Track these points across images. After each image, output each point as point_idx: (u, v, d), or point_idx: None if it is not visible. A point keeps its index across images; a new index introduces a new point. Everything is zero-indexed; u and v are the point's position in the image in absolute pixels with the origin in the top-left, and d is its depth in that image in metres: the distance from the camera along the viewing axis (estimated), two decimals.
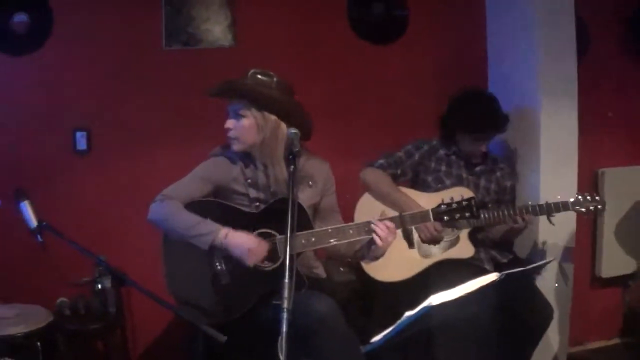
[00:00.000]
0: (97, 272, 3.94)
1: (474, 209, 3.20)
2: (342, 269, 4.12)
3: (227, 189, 3.27)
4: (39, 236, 3.12)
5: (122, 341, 4.06)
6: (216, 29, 4.44)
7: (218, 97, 3.26)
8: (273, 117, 3.17)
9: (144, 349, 4.36)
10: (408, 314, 2.56)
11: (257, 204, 3.24)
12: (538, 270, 4.04)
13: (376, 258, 3.28)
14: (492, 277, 2.71)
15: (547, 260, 3.96)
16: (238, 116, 3.18)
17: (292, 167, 2.86)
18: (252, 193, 3.25)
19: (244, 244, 3.04)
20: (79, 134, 4.24)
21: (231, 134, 3.20)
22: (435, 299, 2.53)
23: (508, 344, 3.73)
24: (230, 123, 3.21)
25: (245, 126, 3.18)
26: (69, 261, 3.63)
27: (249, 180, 3.24)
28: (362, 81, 4.70)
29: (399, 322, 2.55)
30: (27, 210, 3.14)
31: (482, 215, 3.70)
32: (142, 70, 4.32)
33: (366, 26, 4.73)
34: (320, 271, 3.43)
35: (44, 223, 3.06)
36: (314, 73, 4.53)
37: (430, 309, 2.54)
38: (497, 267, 3.98)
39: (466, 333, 3.42)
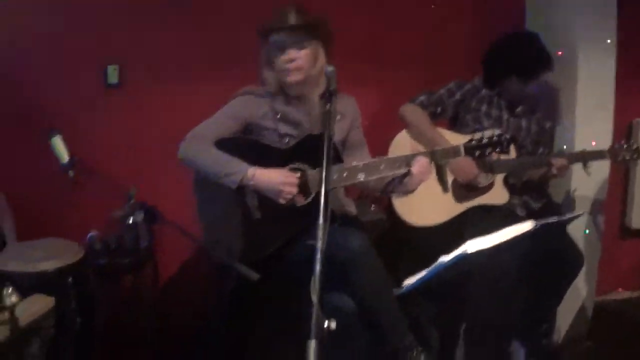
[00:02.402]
0: (129, 206, 3.92)
1: (504, 144, 3.20)
2: (372, 208, 4.11)
3: (256, 125, 3.25)
4: (70, 172, 3.13)
5: (153, 276, 4.05)
6: None
7: (292, 30, 3.17)
8: (322, 51, 3.19)
9: (175, 285, 4.37)
10: (442, 259, 2.53)
11: (287, 139, 3.22)
12: (571, 220, 4.00)
13: (406, 193, 3.27)
14: (528, 226, 2.67)
15: (581, 212, 3.95)
16: (301, 46, 3.15)
17: (329, 104, 2.77)
18: (282, 128, 3.22)
19: (273, 181, 3.02)
20: (110, 68, 4.19)
21: (296, 63, 3.15)
22: (471, 246, 2.50)
23: (537, 290, 3.75)
24: (293, 53, 3.15)
25: (307, 56, 3.16)
26: (101, 196, 3.57)
27: (279, 115, 3.22)
28: (401, 17, 4.59)
29: (432, 267, 2.52)
30: (59, 145, 3.13)
31: (511, 150, 3.65)
32: (175, 3, 4.23)
33: None
34: (351, 209, 3.42)
35: (76, 158, 3.05)
36: (353, 7, 4.42)
37: (466, 255, 2.50)
38: (530, 213, 3.95)
39: (497, 279, 3.41)
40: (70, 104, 4.11)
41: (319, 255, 2.30)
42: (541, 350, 4.00)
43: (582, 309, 4.42)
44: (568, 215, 3.52)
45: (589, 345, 4.35)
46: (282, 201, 3.04)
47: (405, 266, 3.78)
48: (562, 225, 4.11)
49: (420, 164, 3.08)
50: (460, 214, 3.79)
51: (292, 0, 3.22)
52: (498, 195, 3.80)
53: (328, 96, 2.78)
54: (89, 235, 3.96)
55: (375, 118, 3.54)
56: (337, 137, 3.25)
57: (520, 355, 3.89)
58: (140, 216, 3.80)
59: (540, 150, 4.01)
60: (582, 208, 4.30)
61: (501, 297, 3.56)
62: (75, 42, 4.11)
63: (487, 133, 3.23)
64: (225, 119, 3.24)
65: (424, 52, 4.61)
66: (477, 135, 3.20)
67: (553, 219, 2.69)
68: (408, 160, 3.09)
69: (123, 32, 4.16)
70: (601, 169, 4.20)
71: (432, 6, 4.59)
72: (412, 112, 3.88)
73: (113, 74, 4.19)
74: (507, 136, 3.20)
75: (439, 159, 3.19)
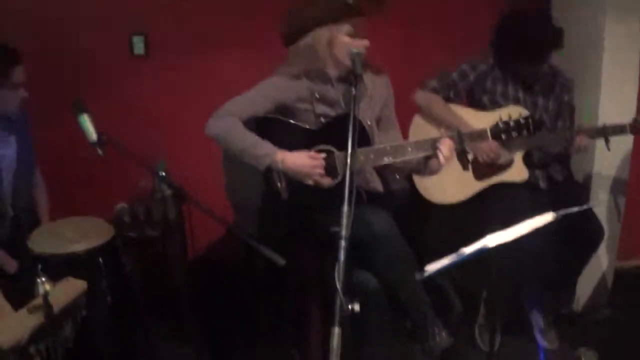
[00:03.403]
0: (157, 180, 3.94)
1: (531, 127, 3.16)
2: (397, 176, 4.14)
3: (291, 107, 3.25)
4: (99, 149, 3.17)
5: (182, 249, 4.07)
6: None
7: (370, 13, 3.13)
8: None
9: (204, 258, 4.44)
10: (463, 251, 2.56)
11: (322, 119, 3.23)
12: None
13: (431, 173, 3.28)
14: (548, 217, 2.69)
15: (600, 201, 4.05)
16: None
17: (354, 88, 2.75)
18: (319, 108, 3.23)
19: (300, 165, 3.07)
20: (136, 38, 4.22)
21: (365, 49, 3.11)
22: (491, 240, 2.53)
23: (558, 261, 3.78)
24: (367, 41, 3.12)
25: None
26: (129, 169, 3.64)
27: (317, 95, 3.22)
28: None
29: (453, 257, 2.56)
30: (87, 123, 3.17)
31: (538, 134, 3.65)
32: None
33: None
34: (377, 185, 3.43)
35: (104, 136, 3.08)
36: None
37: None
38: (553, 185, 3.99)
39: (518, 249, 3.45)
40: (96, 75, 4.17)
41: (343, 243, 2.37)
42: (561, 319, 4.06)
43: (602, 279, 4.45)
44: (588, 205, 3.54)
45: (608, 313, 4.39)
46: (309, 182, 3.10)
47: (427, 241, 3.87)
48: (584, 197, 4.15)
49: (446, 148, 3.08)
50: (480, 190, 3.82)
51: None
52: (518, 172, 3.81)
53: (353, 79, 2.80)
54: (117, 207, 4.01)
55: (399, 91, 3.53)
56: (369, 117, 3.25)
57: (540, 323, 3.94)
58: (168, 192, 3.88)
59: (560, 124, 3.99)
60: (604, 180, 4.30)
61: (522, 267, 3.61)
62: (99, 11, 4.14)
63: (514, 114, 3.20)
64: (259, 99, 3.23)
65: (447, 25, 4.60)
66: (503, 117, 3.18)
67: (574, 209, 2.70)
68: (434, 142, 3.11)
69: (149, 3, 4.19)
70: (625, 141, 4.18)
71: None
72: (426, 98, 3.89)
73: (139, 44, 4.22)
74: (534, 118, 3.16)
75: (465, 142, 3.20)
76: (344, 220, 2.39)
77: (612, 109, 4.15)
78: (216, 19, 4.28)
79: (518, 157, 3.82)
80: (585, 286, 4.41)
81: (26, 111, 3.51)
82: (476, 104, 3.96)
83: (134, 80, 4.25)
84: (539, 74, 3.87)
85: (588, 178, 4.33)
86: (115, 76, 4.21)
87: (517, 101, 3.89)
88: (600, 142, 3.87)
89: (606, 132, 3.79)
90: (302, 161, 3.08)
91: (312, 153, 3.12)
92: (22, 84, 3.34)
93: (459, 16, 4.60)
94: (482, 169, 3.82)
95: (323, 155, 3.12)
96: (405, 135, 3.77)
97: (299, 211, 3.16)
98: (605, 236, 3.92)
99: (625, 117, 3.80)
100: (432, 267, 2.69)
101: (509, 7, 3.89)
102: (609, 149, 3.81)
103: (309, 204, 3.13)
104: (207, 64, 4.31)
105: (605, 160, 4.26)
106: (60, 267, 3.13)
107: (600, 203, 4.32)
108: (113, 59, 4.21)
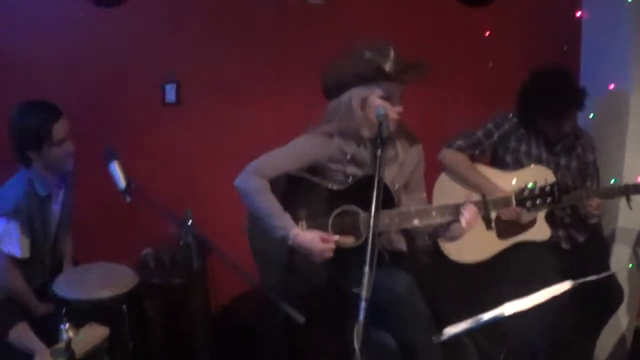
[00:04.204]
0: (183, 229, 3.98)
1: (556, 195, 3.18)
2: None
3: (322, 166, 3.28)
4: (127, 197, 3.23)
5: (204, 298, 4.14)
6: None
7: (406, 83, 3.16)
8: None
9: (226, 308, 4.47)
10: (481, 317, 2.59)
11: (351, 179, 3.25)
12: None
13: (452, 239, 3.31)
14: (565, 286, 2.71)
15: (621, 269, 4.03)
16: (401, 97, 3.15)
17: (380, 150, 2.80)
18: (350, 169, 3.25)
19: (311, 246, 3.10)
20: (168, 87, 4.30)
21: (398, 116, 3.15)
22: (509, 308, 2.55)
23: (577, 323, 3.77)
24: (400, 107, 3.16)
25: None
26: (156, 216, 3.68)
27: (349, 156, 3.24)
28: (451, 43, 4.62)
29: (471, 323, 2.58)
30: (117, 170, 3.22)
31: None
32: (234, 23, 4.34)
33: None
34: (401, 245, 3.43)
35: (133, 184, 3.14)
36: (404, 32, 4.38)
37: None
38: (574, 246, 3.99)
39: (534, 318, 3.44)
40: (129, 121, 4.25)
41: (363, 304, 2.40)
42: None
43: (621, 340, 4.42)
44: (607, 273, 3.53)
45: None
46: (317, 261, 3.14)
47: (447, 301, 3.87)
48: (605, 259, 4.15)
49: (469, 215, 3.11)
50: (503, 250, 3.83)
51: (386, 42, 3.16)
52: (540, 231, 3.82)
53: (380, 142, 2.84)
54: (143, 253, 4.08)
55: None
56: (398, 182, 3.29)
57: None
58: (193, 241, 3.92)
59: (589, 184, 4.00)
60: (627, 241, 4.29)
61: (542, 327, 3.61)
62: (133, 60, 4.23)
63: (539, 177, 3.22)
64: (291, 158, 3.26)
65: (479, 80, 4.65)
66: (527, 178, 3.19)
67: (592, 278, 2.72)
68: (458, 208, 3.14)
69: (181, 52, 4.27)
70: None
71: (486, 34, 4.61)
72: (452, 157, 3.92)
73: (171, 92, 4.30)
74: (560, 185, 3.20)
75: (490, 208, 3.23)
76: (365, 281, 2.43)
77: (636, 169, 4.16)
78: (248, 69, 4.36)
79: (541, 215, 3.82)
80: (604, 346, 4.36)
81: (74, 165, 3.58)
82: (499, 162, 3.99)
83: (165, 128, 4.33)
84: (561, 133, 3.89)
85: (612, 233, 4.32)
86: (147, 124, 4.30)
87: (539, 160, 3.91)
88: (624, 204, 3.87)
89: (628, 191, 3.80)
90: (313, 244, 3.11)
91: (326, 235, 3.14)
92: (69, 137, 3.42)
93: (488, 76, 4.65)
94: (504, 227, 3.82)
95: (335, 237, 3.14)
96: (429, 191, 3.81)
97: (323, 269, 3.19)
98: (626, 295, 3.91)
99: None
100: (450, 331, 2.72)
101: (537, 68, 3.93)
102: (630, 208, 3.82)
103: (332, 263, 3.15)
104: (237, 114, 4.38)
105: (630, 216, 4.22)
106: (84, 312, 3.18)
107: (622, 263, 4.30)
108: (145, 106, 4.29)
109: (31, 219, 3.38)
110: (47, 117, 3.33)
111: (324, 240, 3.11)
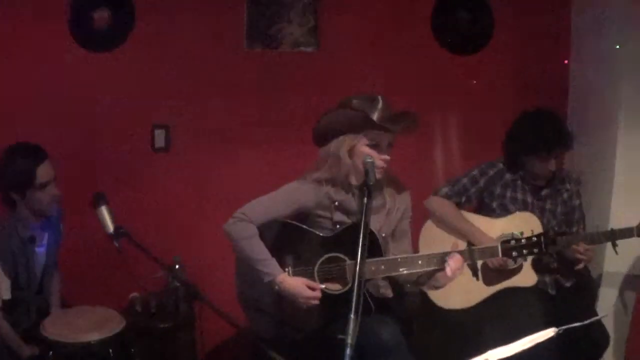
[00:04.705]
0: (170, 274, 3.98)
1: (543, 246, 3.19)
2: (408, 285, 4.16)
3: (310, 213, 3.30)
4: (115, 241, 3.24)
5: (191, 342, 4.12)
6: (298, 33, 4.47)
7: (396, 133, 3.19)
8: None
9: (213, 352, 4.45)
10: None
11: (339, 226, 3.27)
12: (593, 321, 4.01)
13: (436, 288, 3.35)
14: (549, 332, 2.71)
15: (605, 314, 4.05)
16: (390, 146, 3.19)
17: (366, 199, 2.87)
18: (337, 216, 3.27)
19: (296, 293, 3.12)
20: (157, 131, 4.33)
21: (385, 164, 3.18)
22: (492, 355, 2.55)
23: None
24: (387, 155, 3.18)
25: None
26: (144, 261, 3.68)
27: (336, 204, 3.26)
28: (440, 91, 4.67)
29: None
30: (105, 215, 3.24)
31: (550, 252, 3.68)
32: (223, 69, 4.38)
33: (450, 35, 4.72)
34: (387, 291, 3.44)
35: (121, 229, 3.15)
36: (393, 80, 4.50)
37: None
38: (561, 291, 4.00)
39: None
40: (117, 166, 4.27)
41: (348, 351, 2.41)
42: None
43: None
44: (591, 319, 3.53)
45: None
46: (302, 307, 3.15)
47: (433, 348, 3.87)
48: (591, 304, 4.16)
49: (455, 264, 3.12)
50: (489, 296, 3.84)
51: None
52: (526, 277, 3.83)
53: (367, 190, 2.90)
54: (130, 296, 4.08)
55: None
56: (386, 230, 3.31)
57: None
58: (180, 286, 3.92)
59: (574, 229, 4.03)
60: (613, 284, 4.31)
61: None
62: (123, 105, 4.27)
63: (521, 222, 3.24)
64: (280, 204, 3.28)
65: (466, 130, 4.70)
66: (512, 226, 3.20)
67: (576, 325, 2.73)
68: (444, 257, 3.15)
69: (170, 98, 4.32)
70: (634, 246, 4.17)
71: (474, 82, 4.66)
72: (438, 205, 3.95)
73: (160, 138, 4.33)
74: (547, 235, 3.20)
75: (476, 258, 3.25)
76: (350, 328, 2.43)
77: (622, 213, 4.18)
78: (238, 116, 4.41)
79: (527, 261, 3.83)
80: None
81: (60, 208, 3.59)
82: (485, 208, 4.02)
83: (155, 173, 4.35)
84: (547, 173, 3.92)
85: (598, 278, 4.35)
86: (136, 168, 4.31)
87: (525, 205, 3.95)
88: (610, 248, 3.89)
89: (614, 237, 3.82)
90: (299, 290, 3.12)
91: (312, 283, 3.16)
92: (53, 180, 3.43)
93: (473, 126, 4.70)
94: (491, 274, 3.83)
95: (321, 286, 3.16)
96: (415, 237, 3.82)
97: (314, 315, 3.18)
98: (613, 340, 3.92)
99: (635, 221, 3.83)
100: None
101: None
102: (616, 253, 3.84)
103: (320, 310, 3.16)
104: (227, 160, 4.41)
105: (616, 261, 4.21)
106: (71, 355, 3.21)
107: (608, 308, 4.32)
108: (134, 151, 4.32)
109: (14, 260, 3.38)
110: (32, 160, 3.35)
111: (310, 288, 3.13)
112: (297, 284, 3.13)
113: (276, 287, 3.13)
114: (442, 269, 3.14)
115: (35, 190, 3.37)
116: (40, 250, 3.59)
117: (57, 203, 3.52)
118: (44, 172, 3.38)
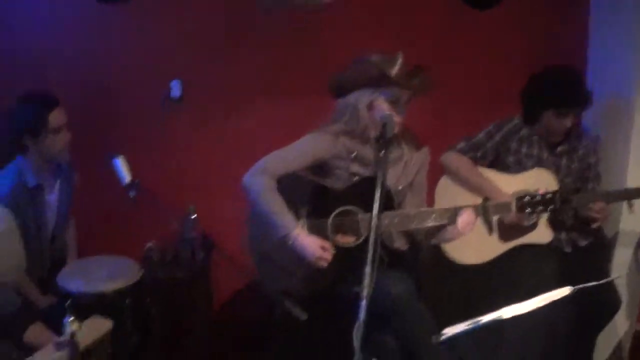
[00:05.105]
0: (187, 224, 4.00)
1: (557, 203, 3.21)
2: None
3: (328, 164, 3.32)
4: (131, 192, 3.26)
5: (207, 292, 4.16)
6: None
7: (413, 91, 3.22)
8: None
9: (228, 302, 4.48)
10: (480, 319, 2.60)
11: (355, 178, 3.29)
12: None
13: (447, 241, 3.38)
14: (564, 291, 2.72)
15: (618, 275, 4.05)
16: (407, 103, 3.21)
17: (383, 151, 2.84)
18: (354, 168, 3.29)
19: (309, 250, 3.13)
20: (174, 82, 4.30)
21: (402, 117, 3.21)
22: (507, 311, 2.56)
23: (573, 329, 3.77)
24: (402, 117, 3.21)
25: None
26: (160, 210, 3.71)
27: (353, 155, 3.28)
28: (457, 48, 4.58)
29: (469, 325, 2.59)
30: (121, 166, 3.26)
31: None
32: (237, 23, 4.33)
33: None
34: (400, 244, 3.45)
35: (137, 180, 3.17)
36: (405, 35, 4.40)
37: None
38: (576, 250, 4.00)
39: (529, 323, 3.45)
40: (134, 117, 4.28)
41: (364, 303, 2.42)
42: None
43: (618, 346, 4.42)
44: (607, 279, 3.54)
45: None
46: (313, 266, 3.16)
47: (447, 302, 3.89)
48: (606, 264, 4.16)
49: (466, 218, 3.14)
50: (504, 252, 3.84)
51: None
52: (542, 234, 3.81)
53: (383, 143, 2.88)
54: (146, 246, 4.10)
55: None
56: (402, 183, 3.33)
57: None
58: (196, 236, 3.94)
59: (590, 186, 4.02)
60: (628, 244, 4.30)
61: (539, 330, 3.62)
62: (139, 56, 4.26)
63: (537, 178, 3.23)
64: (298, 155, 3.30)
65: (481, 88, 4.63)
66: (528, 182, 3.19)
67: (591, 284, 2.73)
68: (457, 211, 3.16)
69: (187, 50, 4.29)
70: None
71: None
72: (454, 159, 3.92)
73: (176, 88, 4.31)
74: (562, 193, 3.23)
75: (490, 214, 3.25)
76: (366, 281, 2.44)
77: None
78: (253, 67, 4.35)
79: (543, 218, 3.81)
80: (602, 352, 4.37)
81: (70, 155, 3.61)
82: (501, 164, 3.99)
83: (170, 125, 4.32)
84: (564, 129, 3.89)
85: (614, 237, 4.33)
86: (152, 119, 4.29)
87: (541, 161, 3.92)
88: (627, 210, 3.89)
89: (629, 195, 3.81)
90: (312, 249, 3.13)
91: (326, 244, 3.17)
92: (64, 126, 3.46)
93: (494, 82, 4.63)
94: (506, 230, 3.81)
95: (332, 249, 3.17)
96: (431, 193, 3.81)
97: (322, 271, 3.20)
98: (626, 300, 3.92)
99: None
100: (449, 331, 2.74)
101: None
102: (631, 212, 3.84)
103: (332, 265, 3.17)
104: (242, 111, 4.38)
105: (632, 220, 4.21)
106: (88, 305, 3.22)
107: (623, 268, 4.29)
108: (150, 102, 4.29)
109: (20, 211, 3.40)
110: (44, 105, 3.39)
111: (323, 249, 3.15)
112: (310, 243, 3.15)
113: (290, 241, 3.14)
114: (453, 224, 3.17)
115: (47, 135, 3.39)
116: (52, 198, 3.61)
117: (68, 148, 3.53)
118: (56, 117, 3.41)
